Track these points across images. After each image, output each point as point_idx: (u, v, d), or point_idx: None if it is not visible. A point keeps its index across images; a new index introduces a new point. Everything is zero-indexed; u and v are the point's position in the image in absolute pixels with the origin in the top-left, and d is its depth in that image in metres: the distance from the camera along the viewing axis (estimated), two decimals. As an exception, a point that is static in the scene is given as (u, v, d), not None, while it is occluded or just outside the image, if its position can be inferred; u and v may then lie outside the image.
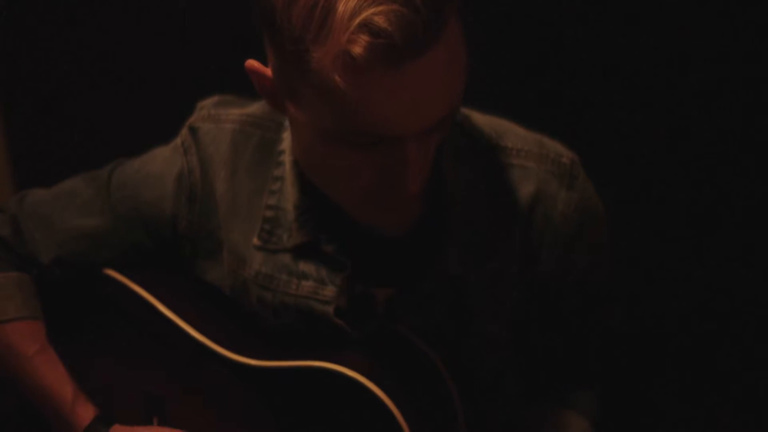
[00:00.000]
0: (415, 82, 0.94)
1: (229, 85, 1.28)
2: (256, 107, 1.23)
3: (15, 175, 1.99)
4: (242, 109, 1.23)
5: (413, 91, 0.95)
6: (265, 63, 1.05)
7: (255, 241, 1.21)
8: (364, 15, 0.91)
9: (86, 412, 1.22)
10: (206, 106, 1.26)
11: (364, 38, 0.91)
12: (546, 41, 1.63)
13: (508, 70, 1.62)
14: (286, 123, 1.19)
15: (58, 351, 1.25)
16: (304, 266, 1.19)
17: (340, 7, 0.92)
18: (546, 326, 1.27)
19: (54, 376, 1.23)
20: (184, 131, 1.25)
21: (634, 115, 1.62)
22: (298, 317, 1.20)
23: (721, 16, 1.53)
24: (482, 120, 1.21)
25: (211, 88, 1.28)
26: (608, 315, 1.30)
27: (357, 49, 0.92)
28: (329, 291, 1.18)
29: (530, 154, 1.19)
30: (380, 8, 0.91)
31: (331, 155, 1.03)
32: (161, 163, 1.25)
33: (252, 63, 1.06)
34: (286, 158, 1.19)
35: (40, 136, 1.96)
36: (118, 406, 1.25)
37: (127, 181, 1.25)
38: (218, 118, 1.23)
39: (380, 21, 0.91)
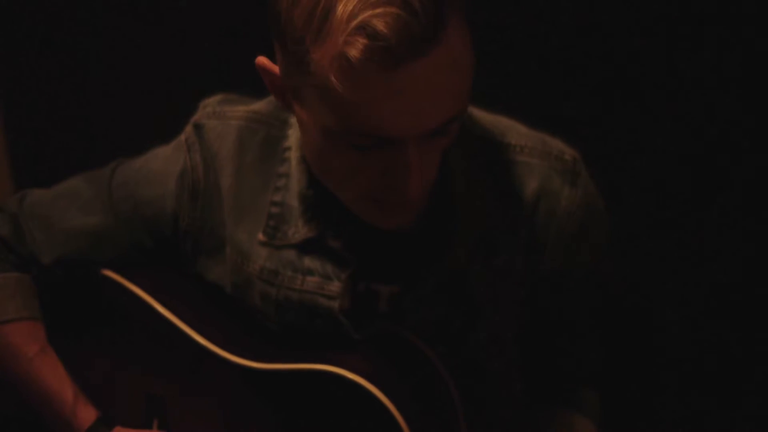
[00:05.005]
0: (414, 85, 0.94)
1: (229, 85, 1.28)
2: (261, 105, 1.23)
3: (14, 175, 1.99)
4: (247, 106, 1.23)
5: (412, 94, 0.95)
6: (273, 60, 1.05)
7: (260, 236, 1.20)
8: (361, 17, 0.91)
9: (87, 414, 1.22)
10: (210, 104, 1.25)
11: (361, 41, 0.92)
12: (547, 41, 1.63)
13: (509, 69, 1.62)
14: (291, 120, 1.19)
15: (57, 352, 1.25)
16: (309, 262, 1.19)
17: (339, 10, 0.92)
18: (548, 325, 1.27)
19: (55, 378, 1.23)
20: (189, 128, 1.24)
21: (633, 115, 1.62)
22: (301, 314, 1.20)
23: (722, 13, 1.53)
24: (485, 117, 1.21)
25: (210, 88, 1.28)
26: (608, 313, 1.30)
27: (353, 52, 0.92)
28: (334, 286, 1.18)
29: (534, 150, 1.19)
30: (378, 11, 0.91)
31: (334, 156, 1.04)
32: (163, 162, 1.25)
33: (262, 60, 1.06)
34: (292, 155, 1.19)
35: (39, 136, 1.96)
36: (119, 407, 1.25)
37: (128, 180, 1.25)
38: (224, 115, 1.23)
39: (377, 24, 0.91)
